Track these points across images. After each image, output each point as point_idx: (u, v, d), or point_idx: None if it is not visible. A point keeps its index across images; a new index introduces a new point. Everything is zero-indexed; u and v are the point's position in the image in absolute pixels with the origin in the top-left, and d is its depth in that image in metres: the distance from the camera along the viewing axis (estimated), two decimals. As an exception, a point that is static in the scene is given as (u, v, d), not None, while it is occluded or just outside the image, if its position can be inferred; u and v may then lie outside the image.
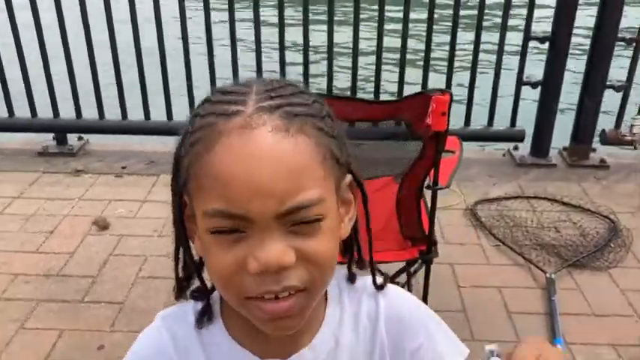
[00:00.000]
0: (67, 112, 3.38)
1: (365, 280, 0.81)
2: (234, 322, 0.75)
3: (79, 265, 2.48)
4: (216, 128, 0.61)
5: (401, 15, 3.02)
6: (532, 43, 3.14)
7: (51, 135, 3.46)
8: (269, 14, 3.70)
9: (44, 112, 3.39)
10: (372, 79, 3.20)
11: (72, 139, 3.47)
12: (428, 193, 1.87)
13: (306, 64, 3.15)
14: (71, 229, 2.72)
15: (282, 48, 3.13)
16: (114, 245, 2.61)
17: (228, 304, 0.70)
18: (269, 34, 3.36)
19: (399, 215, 1.79)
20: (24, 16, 3.13)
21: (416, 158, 1.69)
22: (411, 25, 3.06)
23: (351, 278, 0.81)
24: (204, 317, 0.76)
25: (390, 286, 0.82)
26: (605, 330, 2.17)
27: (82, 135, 3.49)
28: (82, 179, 3.16)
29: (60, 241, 2.64)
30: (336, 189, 0.67)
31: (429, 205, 1.79)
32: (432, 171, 1.71)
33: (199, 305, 0.77)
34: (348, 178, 0.70)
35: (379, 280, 0.81)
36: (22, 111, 3.38)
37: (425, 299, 1.98)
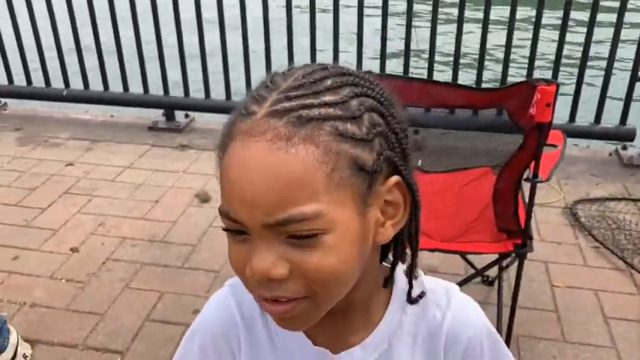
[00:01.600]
0: (176, 91, 3.57)
1: (437, 287, 0.78)
2: None
3: (180, 234, 2.63)
4: (232, 128, 0.62)
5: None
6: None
7: (160, 111, 3.67)
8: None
9: (155, 89, 3.60)
10: (476, 66, 3.14)
11: (179, 116, 3.66)
12: (526, 187, 1.83)
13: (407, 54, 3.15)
14: (175, 200, 2.89)
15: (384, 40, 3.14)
16: (213, 217, 2.75)
17: None
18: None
19: (495, 206, 1.76)
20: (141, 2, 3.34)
21: (517, 149, 1.66)
22: (518, 15, 2.98)
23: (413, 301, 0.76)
24: None
25: (458, 300, 0.77)
26: None
27: (189, 112, 3.67)
28: (186, 154, 3.33)
29: (164, 210, 2.81)
30: (358, 198, 0.61)
31: (527, 198, 1.75)
32: (533, 163, 1.66)
33: None
34: (394, 179, 0.65)
35: (415, 292, 0.75)
36: (135, 87, 3.62)
37: (515, 295, 1.94)
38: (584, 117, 3.21)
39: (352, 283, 0.66)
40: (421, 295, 0.75)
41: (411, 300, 0.75)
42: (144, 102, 3.63)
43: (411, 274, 0.74)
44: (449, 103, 1.72)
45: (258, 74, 2.90)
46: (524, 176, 1.71)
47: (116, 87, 3.65)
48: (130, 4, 3.37)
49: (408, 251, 0.73)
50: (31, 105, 3.92)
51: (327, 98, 0.60)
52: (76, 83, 3.69)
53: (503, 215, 1.76)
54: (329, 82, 0.62)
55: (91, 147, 3.40)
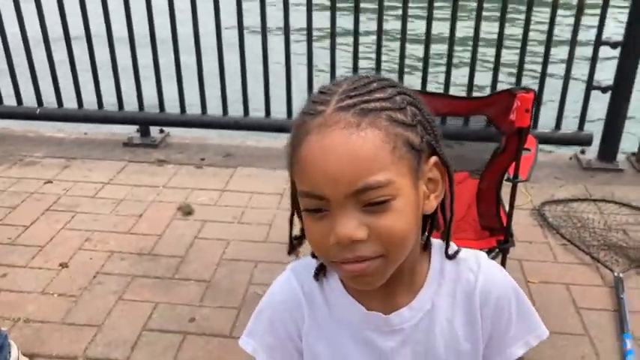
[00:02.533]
0: (150, 105, 3.62)
1: (468, 254, 0.91)
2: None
3: (167, 246, 2.68)
4: (304, 126, 0.76)
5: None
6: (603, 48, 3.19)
7: (134, 127, 3.70)
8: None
9: (130, 105, 3.64)
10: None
11: (154, 131, 3.70)
12: (503, 190, 1.98)
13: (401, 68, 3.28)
14: (158, 214, 2.93)
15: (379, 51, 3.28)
16: (198, 229, 2.81)
17: None
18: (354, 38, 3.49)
19: (478, 206, 1.90)
20: (115, 14, 3.38)
21: (498, 152, 1.80)
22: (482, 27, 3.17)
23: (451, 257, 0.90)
24: (320, 272, 0.91)
25: (487, 264, 0.91)
26: (675, 329, 2.22)
27: (164, 128, 3.72)
28: (164, 169, 3.38)
29: (149, 224, 2.85)
30: (412, 171, 0.76)
31: (509, 197, 1.90)
32: (513, 165, 1.81)
33: (309, 264, 0.92)
34: (433, 159, 0.80)
35: (452, 249, 0.90)
36: (110, 104, 3.65)
37: (498, 288, 2.08)
38: (546, 124, 3.42)
39: (412, 245, 0.81)
40: (457, 252, 0.89)
41: (449, 256, 0.89)
42: (119, 119, 3.66)
43: (447, 235, 0.88)
44: (438, 111, 1.84)
45: (234, 88, 3.01)
46: (505, 177, 1.86)
47: (90, 104, 3.66)
48: (105, 21, 3.39)
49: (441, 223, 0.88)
50: (2, 124, 3.89)
51: (379, 95, 0.77)
52: (50, 101, 3.68)
53: (486, 214, 1.90)
54: (375, 84, 0.79)
55: (67, 164, 3.41)
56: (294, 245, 0.93)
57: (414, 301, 0.88)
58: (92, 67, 3.53)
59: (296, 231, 0.88)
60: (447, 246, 0.89)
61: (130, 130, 3.71)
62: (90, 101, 3.64)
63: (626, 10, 3.16)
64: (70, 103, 3.67)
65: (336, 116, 0.74)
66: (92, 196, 3.08)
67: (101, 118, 3.68)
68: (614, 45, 3.19)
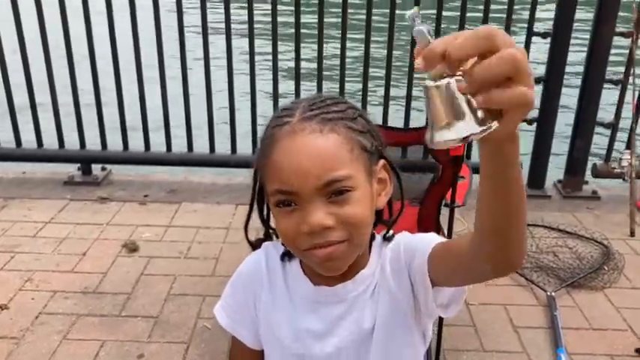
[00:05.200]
0: (92, 142, 3.59)
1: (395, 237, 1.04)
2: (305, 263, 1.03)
3: (113, 284, 2.65)
4: (274, 135, 0.91)
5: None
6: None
7: (75, 165, 3.66)
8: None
9: (71, 143, 3.60)
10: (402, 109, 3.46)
11: (96, 169, 3.67)
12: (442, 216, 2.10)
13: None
14: (102, 252, 2.90)
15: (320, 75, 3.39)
16: (144, 266, 2.79)
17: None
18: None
19: (419, 231, 1.99)
20: (55, 50, 3.36)
21: (436, 180, 1.91)
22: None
23: (388, 239, 1.03)
24: (285, 256, 1.07)
25: (407, 234, 1.05)
26: (603, 342, 2.37)
27: (106, 165, 3.69)
28: (107, 206, 3.35)
29: (93, 262, 2.81)
30: (367, 170, 0.92)
31: (447, 222, 2.01)
32: (450, 191, 1.93)
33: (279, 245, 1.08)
34: (382, 162, 0.96)
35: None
36: (49, 142, 3.60)
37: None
38: (477, 153, 3.60)
39: (369, 232, 0.96)
40: (393, 236, 1.03)
41: (387, 238, 1.03)
42: (60, 157, 3.61)
43: (391, 224, 1.04)
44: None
45: (178, 122, 3.03)
46: (443, 203, 1.97)
47: (29, 143, 3.60)
48: (45, 58, 3.37)
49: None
50: None
51: (335, 108, 0.92)
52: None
53: (427, 239, 2.00)
54: (329, 100, 0.94)
55: (5, 204, 3.33)
56: (254, 245, 1.09)
57: (357, 275, 1.01)
58: (31, 106, 3.48)
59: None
60: (388, 230, 1.04)
61: (71, 169, 3.66)
62: (29, 140, 3.58)
63: (547, 47, 3.42)
64: (7, 142, 3.60)
65: (301, 125, 0.89)
66: (33, 235, 3.02)
67: (41, 156, 3.62)
68: (537, 80, 3.43)
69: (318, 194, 0.87)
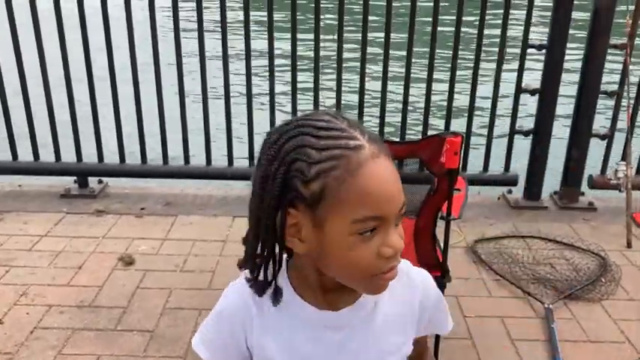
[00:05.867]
0: (88, 155, 3.59)
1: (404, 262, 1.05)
2: (302, 290, 0.99)
3: (109, 297, 2.64)
4: (353, 159, 0.85)
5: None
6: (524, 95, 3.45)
7: (72, 178, 3.65)
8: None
9: (67, 156, 3.60)
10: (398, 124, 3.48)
11: (92, 181, 3.66)
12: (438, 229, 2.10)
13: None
14: (98, 265, 2.89)
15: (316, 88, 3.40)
16: (140, 279, 2.78)
17: (299, 280, 0.98)
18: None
19: (416, 244, 2.00)
20: (53, 66, 3.37)
21: (431, 193, 1.91)
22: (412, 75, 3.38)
23: None
24: (277, 295, 0.98)
25: (415, 267, 1.07)
26: (601, 354, 2.37)
27: (102, 178, 3.69)
28: (104, 219, 3.34)
29: (89, 275, 2.80)
30: None
31: (443, 234, 2.01)
32: (445, 204, 1.93)
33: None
34: None
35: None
36: (46, 155, 3.60)
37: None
38: (474, 166, 3.61)
39: None
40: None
41: None
42: (56, 170, 3.60)
43: None
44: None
45: (175, 136, 3.04)
46: (439, 216, 1.97)
47: (26, 156, 3.60)
48: (41, 68, 3.37)
49: None
50: None
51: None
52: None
53: (424, 251, 2.00)
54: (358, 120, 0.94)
55: (1, 217, 3.31)
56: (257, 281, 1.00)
57: (360, 298, 0.99)
58: (27, 118, 3.49)
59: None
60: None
61: (68, 182, 3.65)
62: (25, 153, 3.58)
63: (542, 59, 3.44)
64: (3, 154, 3.60)
65: (375, 148, 0.87)
66: (28, 249, 3.01)
67: (37, 169, 3.61)
68: (532, 92, 3.45)
69: (395, 219, 0.88)
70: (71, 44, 3.34)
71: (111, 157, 3.60)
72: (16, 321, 2.47)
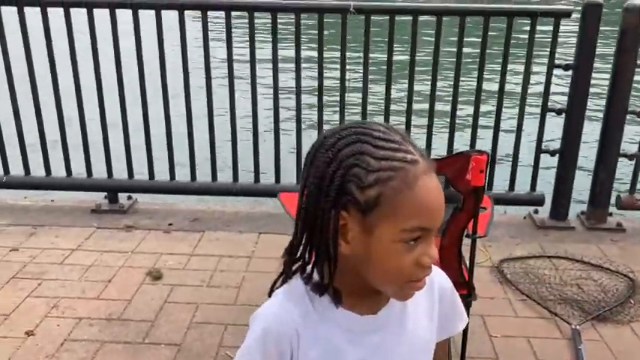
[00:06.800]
0: (119, 171, 3.68)
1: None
2: (344, 295, 1.00)
3: (137, 311, 2.69)
4: (410, 172, 0.90)
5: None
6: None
7: (102, 194, 3.74)
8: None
9: (98, 172, 3.69)
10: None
11: (122, 197, 3.74)
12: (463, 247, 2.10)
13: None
14: (127, 279, 2.94)
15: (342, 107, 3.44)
16: (167, 293, 2.83)
17: (340, 285, 0.98)
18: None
19: (441, 262, 2.00)
20: (86, 88, 3.48)
21: (457, 211, 1.92)
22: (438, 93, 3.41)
23: None
24: (337, 296, 0.99)
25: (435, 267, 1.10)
26: (630, 377, 2.33)
27: (132, 194, 3.76)
28: (133, 234, 3.40)
29: (118, 289, 2.86)
30: None
31: (469, 253, 2.01)
32: (471, 222, 1.94)
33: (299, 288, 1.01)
34: None
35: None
36: (78, 170, 3.70)
37: (464, 343, 2.17)
38: (499, 185, 3.61)
39: None
40: None
41: None
42: (87, 186, 3.69)
43: None
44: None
45: (203, 154, 3.09)
46: (465, 234, 1.98)
47: (58, 171, 3.69)
48: (76, 89, 3.48)
49: None
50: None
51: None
52: (17, 169, 3.70)
53: (449, 269, 1.99)
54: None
55: (34, 232, 3.40)
56: (288, 275, 1.03)
57: (390, 300, 1.03)
58: (61, 135, 3.59)
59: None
60: None
61: (98, 197, 3.74)
62: (58, 169, 3.68)
63: (569, 79, 3.44)
64: (37, 170, 3.70)
65: (426, 164, 0.93)
66: (60, 262, 3.08)
67: (69, 185, 3.71)
68: (559, 112, 3.44)
69: (435, 231, 0.94)
70: (104, 65, 3.45)
71: (140, 173, 3.68)
72: (47, 333, 2.53)
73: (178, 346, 2.46)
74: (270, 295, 1.04)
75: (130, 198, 3.76)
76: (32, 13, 3.34)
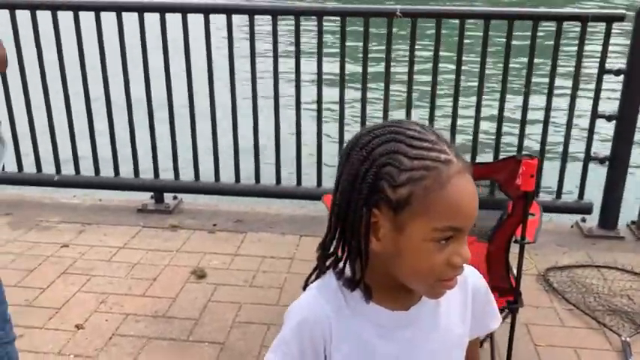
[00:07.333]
0: (165, 170, 3.76)
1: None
2: (375, 291, 1.01)
3: (181, 309, 2.73)
4: (443, 172, 0.91)
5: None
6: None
7: (148, 194, 3.82)
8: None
9: (145, 172, 3.77)
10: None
11: (168, 197, 3.81)
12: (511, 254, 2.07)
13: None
14: (172, 278, 3.00)
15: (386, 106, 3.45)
16: (211, 292, 2.87)
17: (372, 281, 0.99)
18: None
19: (488, 267, 1.98)
20: (134, 86, 3.57)
21: (505, 217, 1.90)
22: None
23: None
24: (368, 291, 1.00)
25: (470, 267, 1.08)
26: (683, 392, 2.25)
27: (177, 194, 3.83)
28: (178, 234, 3.46)
29: (163, 287, 2.91)
30: None
31: (517, 258, 1.98)
32: (520, 227, 1.91)
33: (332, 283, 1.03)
34: None
35: None
36: (125, 171, 3.79)
37: (509, 350, 2.14)
38: (546, 192, 3.54)
39: None
40: None
41: None
42: (134, 186, 3.78)
43: None
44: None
45: (246, 155, 3.11)
46: (513, 239, 1.95)
47: (107, 171, 3.79)
48: (125, 93, 3.58)
49: None
50: (18, 190, 4.00)
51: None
52: (68, 168, 3.82)
53: (496, 275, 1.98)
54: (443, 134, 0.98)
55: (83, 229, 3.50)
56: (323, 270, 1.05)
57: (423, 298, 1.03)
58: (110, 137, 3.68)
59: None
60: None
61: (144, 197, 3.82)
62: (106, 168, 3.78)
63: (619, 86, 3.35)
64: (87, 170, 3.80)
65: (460, 164, 0.93)
66: (107, 259, 3.16)
67: (117, 184, 3.80)
68: (609, 118, 3.36)
69: (468, 231, 0.94)
70: (153, 72, 3.54)
71: (186, 174, 3.74)
72: (96, 327, 2.59)
73: (221, 345, 2.49)
74: (304, 289, 1.06)
75: (175, 198, 3.83)
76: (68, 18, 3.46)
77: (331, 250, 1.02)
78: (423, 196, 0.90)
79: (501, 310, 2.04)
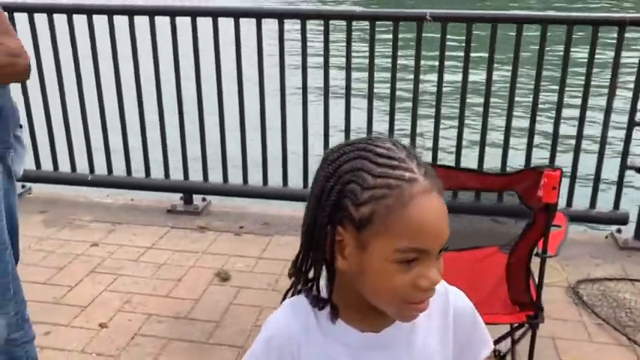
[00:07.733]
0: (195, 170, 3.80)
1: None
2: (344, 311, 0.99)
3: (203, 311, 2.76)
4: (406, 191, 0.88)
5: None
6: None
7: (178, 195, 3.87)
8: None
9: (175, 174, 3.82)
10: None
11: (197, 199, 3.86)
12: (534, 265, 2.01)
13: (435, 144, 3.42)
14: (196, 279, 3.03)
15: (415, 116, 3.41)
16: (234, 295, 2.88)
17: (341, 301, 0.98)
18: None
19: (508, 280, 1.93)
20: (166, 90, 3.62)
21: (527, 228, 1.85)
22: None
23: None
24: (319, 303, 0.99)
25: (451, 286, 1.06)
26: None
27: (206, 196, 3.87)
28: (205, 235, 3.50)
29: (187, 288, 2.94)
30: None
31: (538, 272, 1.93)
32: (542, 240, 1.85)
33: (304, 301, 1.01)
34: None
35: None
36: (156, 172, 3.85)
37: (529, 364, 2.08)
38: (580, 202, 3.43)
39: None
40: None
41: None
42: (164, 187, 3.83)
43: None
44: (468, 186, 1.93)
45: (275, 160, 3.11)
46: (534, 252, 1.89)
47: (138, 172, 3.86)
48: (157, 96, 3.63)
49: None
50: (54, 189, 4.10)
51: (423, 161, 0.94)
52: (101, 168, 3.90)
53: (516, 288, 1.93)
54: (417, 151, 0.95)
55: (113, 229, 3.56)
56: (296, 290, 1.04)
57: (397, 321, 0.99)
58: (142, 138, 3.75)
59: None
60: None
61: (174, 198, 3.87)
62: (138, 169, 3.85)
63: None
64: (119, 170, 3.88)
65: (428, 183, 0.90)
66: (135, 259, 3.21)
67: (148, 185, 3.86)
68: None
69: (437, 254, 0.91)
70: (184, 74, 3.58)
71: (215, 177, 3.78)
72: (120, 326, 2.64)
73: (240, 349, 2.49)
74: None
75: (204, 200, 3.87)
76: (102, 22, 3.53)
77: (303, 267, 1.01)
78: (385, 215, 0.88)
79: (521, 326, 2.00)
